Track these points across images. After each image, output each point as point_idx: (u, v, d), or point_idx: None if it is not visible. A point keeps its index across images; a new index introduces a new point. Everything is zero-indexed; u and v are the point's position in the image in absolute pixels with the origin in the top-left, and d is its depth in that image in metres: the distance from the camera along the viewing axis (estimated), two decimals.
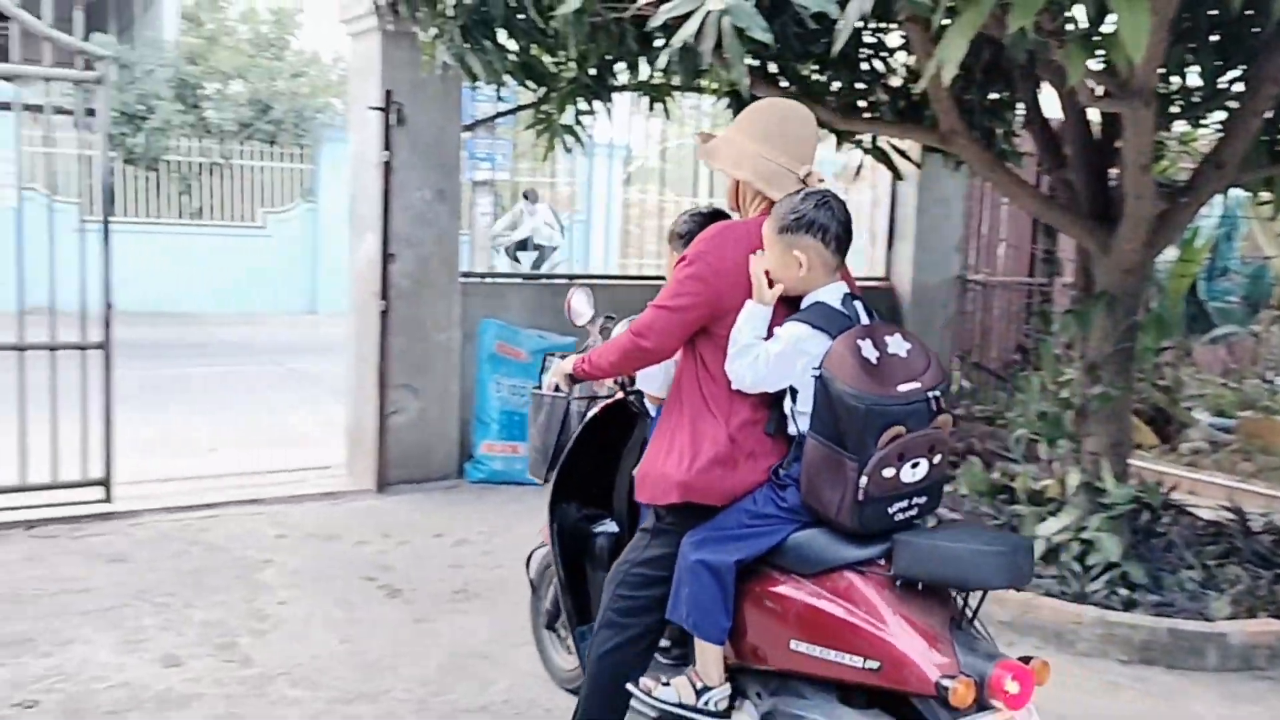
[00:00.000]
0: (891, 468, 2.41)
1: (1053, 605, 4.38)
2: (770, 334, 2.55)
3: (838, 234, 2.56)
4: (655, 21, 3.16)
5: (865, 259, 8.26)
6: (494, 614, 4.41)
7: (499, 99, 6.33)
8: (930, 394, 2.46)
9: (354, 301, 6.48)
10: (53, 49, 5.24)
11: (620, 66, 5.99)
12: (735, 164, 2.70)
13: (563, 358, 3.00)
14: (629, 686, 2.72)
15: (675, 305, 2.62)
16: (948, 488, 4.96)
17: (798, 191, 2.60)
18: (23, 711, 3.42)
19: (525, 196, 12.80)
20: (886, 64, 5.55)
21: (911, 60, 5.37)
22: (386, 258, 6.11)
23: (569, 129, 5.96)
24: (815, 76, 5.53)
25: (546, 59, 5.70)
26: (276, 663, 3.87)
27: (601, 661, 2.74)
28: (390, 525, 5.58)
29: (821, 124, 3.63)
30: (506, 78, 5.53)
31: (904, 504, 2.47)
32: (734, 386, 2.58)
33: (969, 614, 2.40)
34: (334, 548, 5.21)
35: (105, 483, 5.55)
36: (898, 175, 6.05)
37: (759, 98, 3.09)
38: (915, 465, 2.45)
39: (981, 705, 2.24)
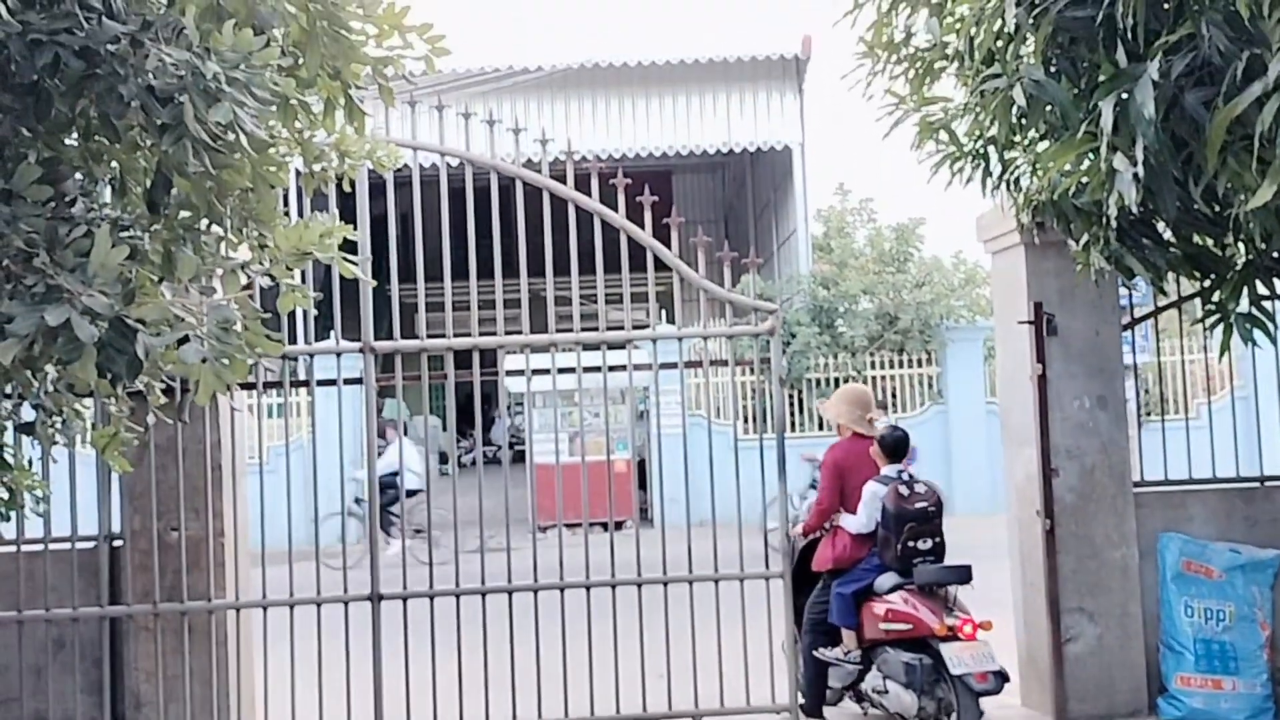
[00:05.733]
0: (911, 541, 5.51)
1: None
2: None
3: (890, 447, 5.74)
4: None
5: None
6: None
7: (1160, 293, 5.87)
8: (929, 508, 5.58)
9: (1013, 517, 6.26)
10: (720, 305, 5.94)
11: None
12: (832, 414, 6.27)
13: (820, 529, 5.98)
14: (814, 652, 5.77)
15: (825, 488, 5.96)
16: None
17: (890, 427, 5.98)
18: None
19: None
20: None
21: None
22: (1048, 473, 5.83)
23: (1249, 317, 5.32)
24: None
25: (1210, 244, 5.21)
26: None
27: (804, 644, 5.82)
28: None
29: None
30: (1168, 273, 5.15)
31: (920, 559, 5.51)
32: (853, 532, 5.73)
33: (954, 600, 5.50)
34: None
35: None
36: None
37: None
38: (925, 541, 5.53)
39: (956, 638, 5.25)
